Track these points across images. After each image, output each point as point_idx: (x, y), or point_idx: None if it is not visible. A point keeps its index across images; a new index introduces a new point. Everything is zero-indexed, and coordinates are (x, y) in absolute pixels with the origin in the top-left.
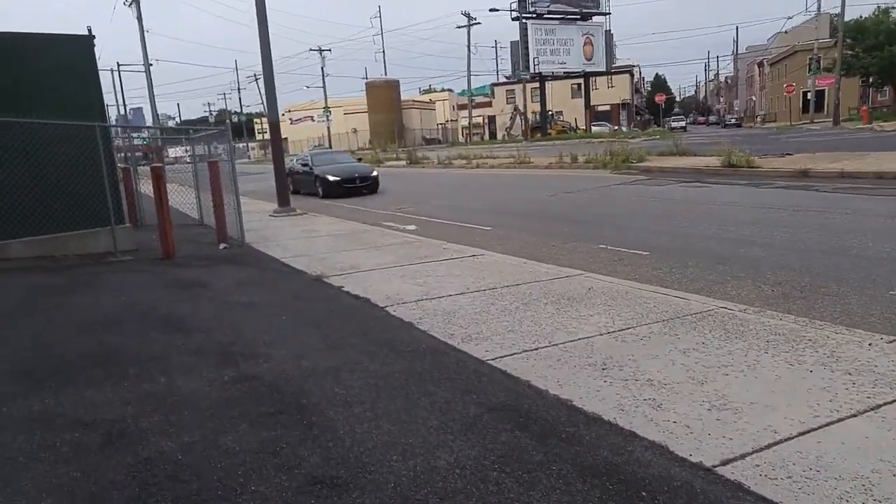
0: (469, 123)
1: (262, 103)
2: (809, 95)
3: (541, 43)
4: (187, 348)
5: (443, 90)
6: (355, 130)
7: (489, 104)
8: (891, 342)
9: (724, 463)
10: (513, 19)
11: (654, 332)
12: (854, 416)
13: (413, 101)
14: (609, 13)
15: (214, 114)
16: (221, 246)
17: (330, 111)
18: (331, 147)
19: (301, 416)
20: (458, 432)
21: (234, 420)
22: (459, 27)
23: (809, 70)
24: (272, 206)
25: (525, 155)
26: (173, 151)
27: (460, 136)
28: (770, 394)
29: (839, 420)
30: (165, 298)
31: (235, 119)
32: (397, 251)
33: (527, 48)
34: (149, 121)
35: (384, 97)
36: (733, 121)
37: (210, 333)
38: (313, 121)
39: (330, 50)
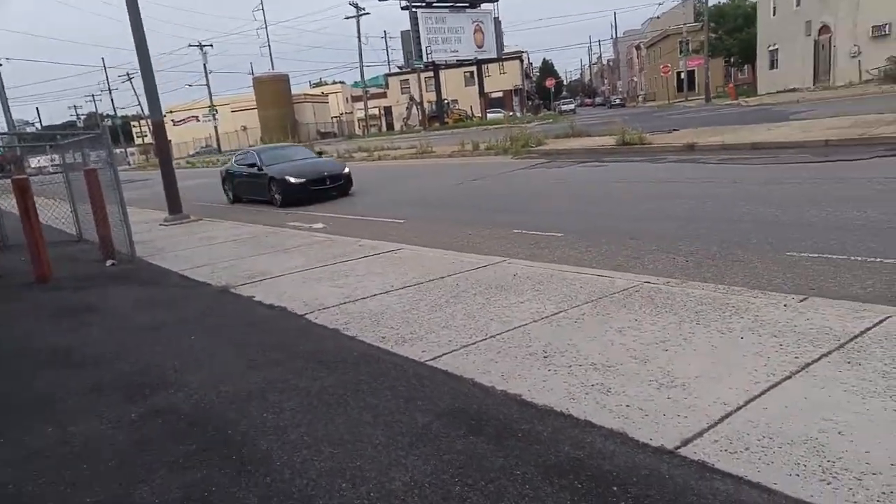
0: (365, 115)
1: (139, 104)
2: (682, 75)
3: (432, 31)
4: (80, 385)
5: (334, 83)
6: (245, 128)
7: (384, 95)
8: (801, 301)
9: (685, 443)
10: (402, 8)
11: (586, 313)
12: (789, 377)
13: (305, 94)
14: (497, 0)
15: (84, 117)
16: (108, 262)
17: (216, 110)
18: (219, 148)
19: (229, 450)
20: (409, 446)
21: (148, 466)
22: (348, 18)
23: (681, 52)
24: (162, 215)
25: (427, 145)
26: (35, 161)
27: (357, 129)
28: (711, 365)
29: (777, 384)
30: (46, 329)
31: (110, 122)
32: (307, 252)
33: (418, 37)
34: (1, 128)
35: (273, 92)
36: (618, 101)
37: (107, 365)
38: (198, 121)
39: (212, 45)
